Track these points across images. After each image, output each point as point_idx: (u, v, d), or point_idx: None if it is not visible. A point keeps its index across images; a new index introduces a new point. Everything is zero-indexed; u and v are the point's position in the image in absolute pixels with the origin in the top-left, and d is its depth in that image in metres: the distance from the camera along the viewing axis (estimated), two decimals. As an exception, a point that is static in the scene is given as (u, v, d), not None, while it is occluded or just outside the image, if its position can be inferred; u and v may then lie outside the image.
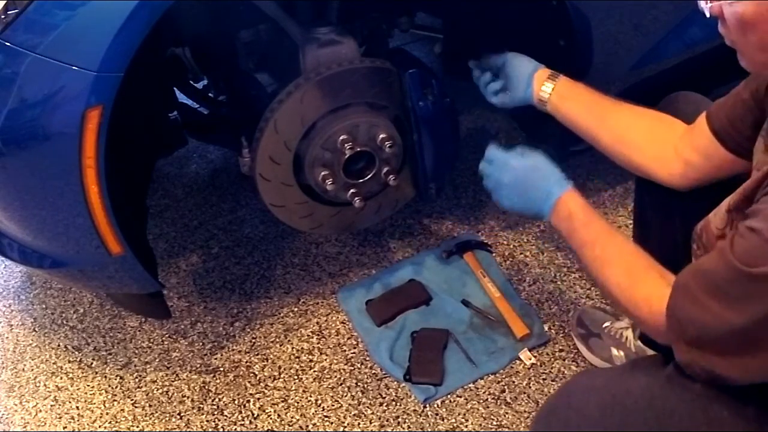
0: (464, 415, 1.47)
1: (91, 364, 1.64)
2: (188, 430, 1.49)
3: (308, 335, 1.66)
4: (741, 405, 0.89)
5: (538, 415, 0.99)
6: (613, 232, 1.10)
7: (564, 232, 1.17)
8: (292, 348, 1.63)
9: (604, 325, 1.55)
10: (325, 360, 1.60)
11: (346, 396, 1.52)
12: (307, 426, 1.48)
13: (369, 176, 1.52)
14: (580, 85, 1.34)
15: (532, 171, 1.23)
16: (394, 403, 1.50)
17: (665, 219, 1.31)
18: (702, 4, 0.88)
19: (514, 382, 1.52)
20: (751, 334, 0.83)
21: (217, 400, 1.54)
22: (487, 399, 1.50)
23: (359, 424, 1.47)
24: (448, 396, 1.50)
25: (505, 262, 1.79)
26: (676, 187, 1.22)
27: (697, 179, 1.18)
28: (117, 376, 1.60)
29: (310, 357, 1.61)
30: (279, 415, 1.50)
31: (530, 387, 1.51)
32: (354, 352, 1.61)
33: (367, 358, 1.59)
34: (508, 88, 1.42)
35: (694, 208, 1.23)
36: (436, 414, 1.48)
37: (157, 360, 1.63)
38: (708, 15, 0.89)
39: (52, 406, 1.56)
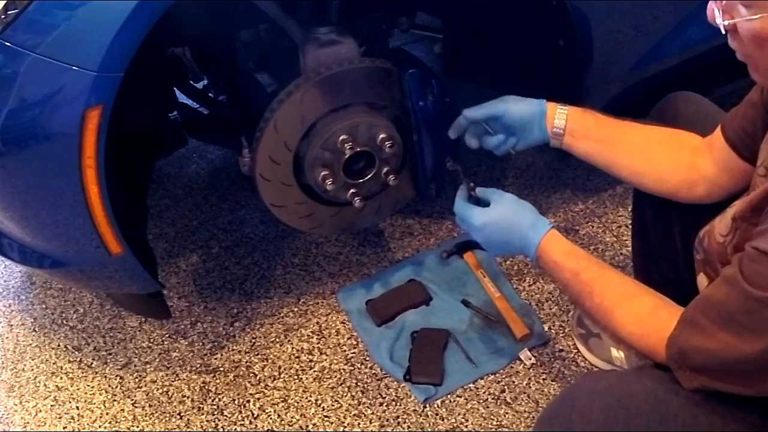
0: (464, 415, 1.47)
1: (91, 364, 1.64)
2: (188, 430, 1.49)
3: (308, 335, 1.66)
4: (745, 412, 0.89)
5: (541, 417, 0.98)
6: (606, 273, 1.07)
7: (555, 281, 1.14)
8: (292, 348, 1.63)
9: (603, 326, 1.54)
10: (325, 360, 1.60)
11: (346, 396, 1.52)
12: (307, 426, 1.48)
13: (369, 176, 1.52)
14: (588, 117, 1.27)
15: (497, 225, 1.19)
16: (394, 403, 1.50)
17: (664, 220, 1.30)
18: (718, 21, 0.87)
19: (514, 382, 1.52)
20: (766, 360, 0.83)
21: (217, 400, 1.54)
22: (487, 399, 1.50)
23: (359, 424, 1.47)
24: (448, 396, 1.50)
25: (505, 262, 1.79)
26: (705, 203, 1.18)
27: (722, 195, 1.14)
28: (117, 376, 1.61)
29: (310, 357, 1.61)
30: (279, 415, 1.50)
31: (530, 387, 1.51)
32: (354, 352, 1.61)
33: (367, 358, 1.59)
34: (516, 134, 1.32)
35: (692, 209, 1.23)
36: (436, 414, 1.48)
37: (157, 360, 1.63)
38: (723, 31, 0.88)
39: (52, 406, 1.56)
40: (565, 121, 1.26)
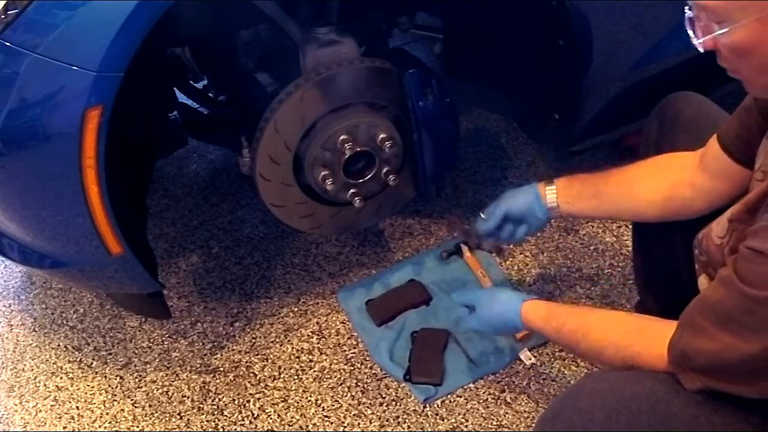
0: (464, 415, 1.47)
1: (91, 364, 1.64)
2: (188, 430, 1.49)
3: (308, 335, 1.66)
4: (746, 412, 0.89)
5: (542, 417, 0.99)
6: (584, 319, 1.10)
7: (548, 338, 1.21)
8: (292, 348, 1.63)
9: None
10: (325, 360, 1.60)
11: (346, 396, 1.52)
12: (307, 426, 1.48)
13: (369, 176, 1.52)
14: (574, 182, 1.32)
15: (488, 326, 1.31)
16: (394, 403, 1.50)
17: (664, 223, 1.30)
18: (695, 41, 0.89)
19: (514, 382, 1.52)
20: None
21: (217, 400, 1.54)
22: (487, 399, 1.50)
23: (359, 424, 1.47)
24: (448, 396, 1.50)
25: (505, 262, 1.79)
26: (708, 213, 1.18)
27: (724, 203, 1.13)
28: (117, 376, 1.60)
29: (310, 357, 1.61)
30: (279, 415, 1.50)
31: (530, 387, 1.51)
32: (354, 352, 1.61)
33: (367, 358, 1.59)
34: (525, 221, 1.38)
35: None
36: (436, 414, 1.48)
37: (157, 360, 1.63)
38: (703, 50, 0.89)
39: (52, 406, 1.56)
40: (555, 196, 1.32)
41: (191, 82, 1.79)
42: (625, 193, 1.27)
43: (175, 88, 1.74)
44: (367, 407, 1.50)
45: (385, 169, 1.53)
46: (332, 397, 1.52)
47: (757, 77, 0.89)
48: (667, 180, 1.21)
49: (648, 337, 0.97)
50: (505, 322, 1.24)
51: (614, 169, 1.30)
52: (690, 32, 0.90)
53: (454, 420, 1.46)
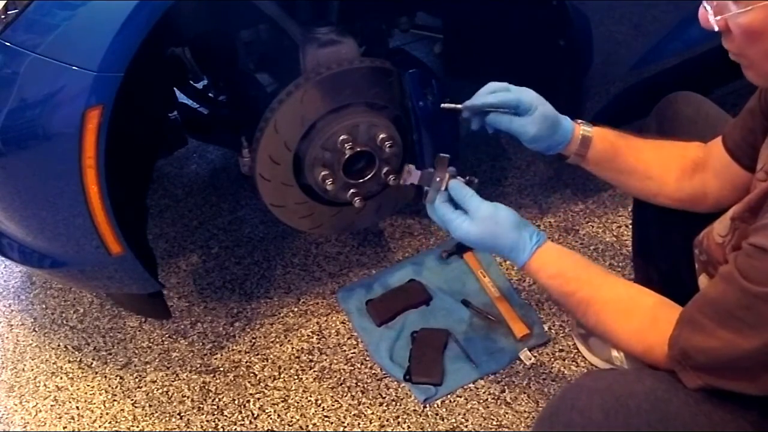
0: (464, 415, 1.47)
1: (91, 364, 1.64)
2: (188, 430, 1.49)
3: (308, 335, 1.66)
4: (744, 409, 0.89)
5: (541, 416, 0.98)
6: (599, 292, 1.04)
7: (548, 293, 1.13)
8: (292, 348, 1.63)
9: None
10: (325, 360, 1.60)
11: (346, 396, 1.52)
12: (307, 426, 1.48)
13: (369, 176, 1.52)
14: (603, 127, 1.24)
15: (478, 241, 1.12)
16: (394, 403, 1.50)
17: (665, 223, 1.30)
18: (711, 20, 0.88)
19: (514, 382, 1.52)
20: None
21: (217, 400, 1.54)
22: (487, 399, 1.50)
23: (359, 424, 1.47)
24: (448, 396, 1.50)
25: (505, 262, 1.78)
26: (712, 212, 1.15)
27: (729, 205, 1.10)
28: (117, 376, 1.61)
29: (310, 357, 1.61)
30: (279, 415, 1.50)
31: (530, 387, 1.51)
32: (354, 352, 1.61)
33: (367, 358, 1.59)
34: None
35: (693, 213, 1.22)
36: (436, 414, 1.48)
37: (157, 360, 1.63)
38: (716, 29, 0.88)
39: (52, 406, 1.56)
40: (592, 129, 1.21)
41: (191, 82, 1.79)
42: (656, 147, 1.21)
43: (175, 88, 1.75)
44: (367, 407, 1.50)
45: (385, 169, 1.53)
46: (332, 397, 1.52)
47: (762, 62, 0.88)
48: (691, 165, 1.18)
49: (662, 332, 0.95)
50: (502, 248, 1.11)
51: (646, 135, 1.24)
52: (703, 12, 0.88)
53: (454, 420, 1.46)
